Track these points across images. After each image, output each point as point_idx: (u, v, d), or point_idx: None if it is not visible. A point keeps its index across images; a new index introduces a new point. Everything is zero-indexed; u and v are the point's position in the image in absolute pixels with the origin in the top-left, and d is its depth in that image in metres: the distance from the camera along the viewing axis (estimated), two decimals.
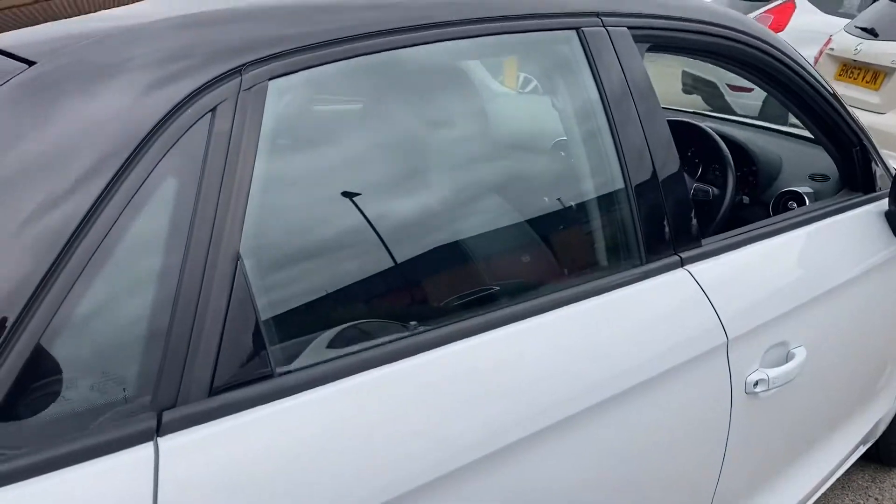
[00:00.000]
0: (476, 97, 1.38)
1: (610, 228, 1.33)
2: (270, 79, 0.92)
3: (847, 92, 4.99)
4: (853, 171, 1.89)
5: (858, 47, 4.93)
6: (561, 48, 1.29)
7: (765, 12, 6.72)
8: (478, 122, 1.35)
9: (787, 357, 1.50)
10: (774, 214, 2.04)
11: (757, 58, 1.64)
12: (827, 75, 5.27)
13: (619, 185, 1.30)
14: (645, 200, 1.31)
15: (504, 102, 1.30)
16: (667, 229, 1.34)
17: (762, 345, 1.44)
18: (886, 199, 1.89)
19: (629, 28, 1.36)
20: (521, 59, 1.34)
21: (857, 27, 5.14)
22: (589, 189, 1.33)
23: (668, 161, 1.36)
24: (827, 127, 1.83)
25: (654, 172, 1.33)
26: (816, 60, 5.50)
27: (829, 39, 5.38)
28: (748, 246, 1.51)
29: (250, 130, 0.88)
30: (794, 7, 6.64)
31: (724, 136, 2.18)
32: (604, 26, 1.32)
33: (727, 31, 1.57)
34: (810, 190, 2.03)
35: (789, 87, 1.73)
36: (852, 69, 5.01)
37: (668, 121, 2.27)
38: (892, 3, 5.06)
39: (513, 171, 1.31)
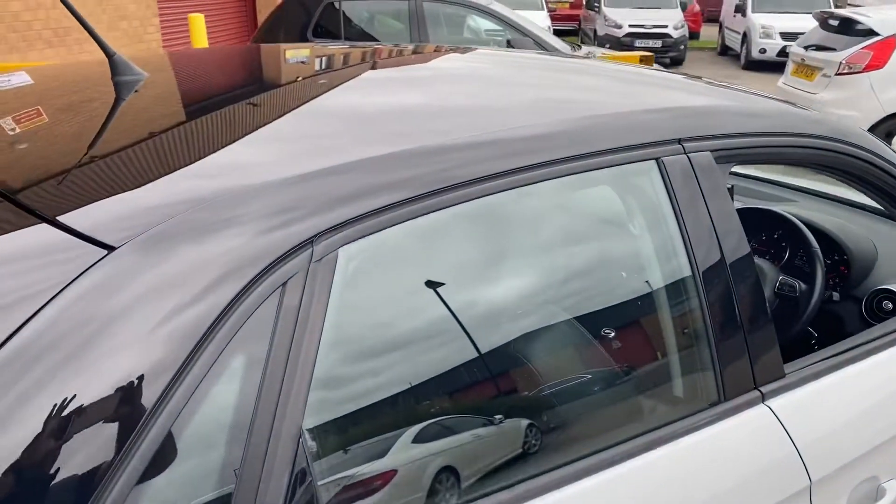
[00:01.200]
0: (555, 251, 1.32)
1: (687, 363, 1.28)
2: (342, 246, 0.92)
3: None
4: None
5: None
6: (640, 180, 1.26)
7: (864, 48, 6.43)
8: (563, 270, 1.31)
9: (878, 493, 1.40)
10: (867, 315, 1.93)
11: (853, 164, 1.55)
12: None
13: (697, 317, 1.25)
14: (723, 330, 1.25)
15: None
16: (748, 363, 1.28)
17: (850, 483, 1.36)
18: None
19: (712, 151, 1.31)
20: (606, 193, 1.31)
21: None
22: (667, 323, 1.29)
23: (750, 292, 1.30)
24: None
25: (736, 306, 1.27)
26: None
27: None
28: (836, 372, 1.42)
29: (318, 303, 0.89)
30: None
31: (811, 225, 2.07)
32: (685, 153, 1.27)
33: (820, 141, 1.50)
34: None
35: (880, 186, 1.63)
36: None
37: (751, 209, 2.20)
38: None
39: (589, 306, 1.28)
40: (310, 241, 0.90)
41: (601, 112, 1.28)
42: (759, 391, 1.29)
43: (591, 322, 1.27)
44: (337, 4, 6.99)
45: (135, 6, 8.25)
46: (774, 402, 1.30)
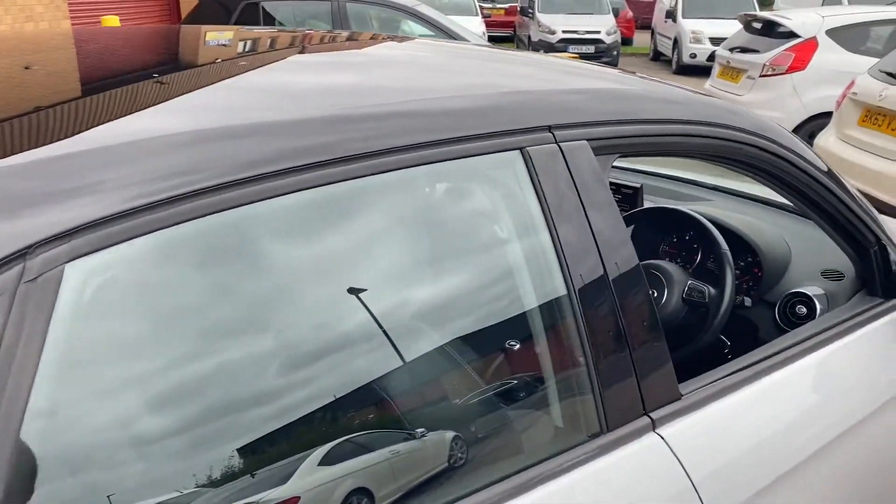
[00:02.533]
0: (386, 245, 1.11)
1: (565, 389, 1.09)
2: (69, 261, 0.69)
3: (871, 139, 4.71)
4: (871, 274, 1.63)
5: (883, 93, 4.65)
6: (501, 173, 1.07)
7: (786, 50, 6.47)
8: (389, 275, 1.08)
9: None
10: (781, 320, 1.78)
11: (751, 154, 1.40)
12: (849, 120, 4.99)
13: (573, 335, 1.06)
14: (604, 350, 1.07)
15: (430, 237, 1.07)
16: (635, 385, 1.10)
17: None
18: None
19: (591, 140, 1.13)
20: (459, 187, 1.11)
21: (881, 71, 4.87)
22: (538, 342, 1.10)
23: (637, 303, 1.12)
24: (838, 225, 1.58)
25: (619, 321, 1.09)
26: (839, 104, 5.23)
27: (853, 82, 5.11)
28: (739, 390, 1.26)
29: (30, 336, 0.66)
30: (817, 45, 6.38)
31: (722, 225, 1.93)
32: (556, 142, 1.09)
33: (732, 132, 1.34)
34: (821, 291, 1.77)
35: (791, 183, 1.49)
36: (877, 115, 4.73)
37: (659, 209, 2.05)
38: None
39: (440, 325, 1.07)
40: (21, 254, 0.67)
41: (451, 94, 1.09)
42: (650, 417, 1.12)
43: (446, 345, 1.07)
44: (257, 3, 6.72)
45: (42, 7, 7.80)
46: (667, 430, 1.13)
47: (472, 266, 1.08)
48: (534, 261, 1.07)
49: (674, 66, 14.31)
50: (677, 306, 1.76)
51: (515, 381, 1.10)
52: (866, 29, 6.62)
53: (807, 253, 1.90)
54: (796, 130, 6.44)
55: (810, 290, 1.76)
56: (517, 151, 1.05)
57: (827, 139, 5.23)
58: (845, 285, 1.77)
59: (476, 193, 1.10)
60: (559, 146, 1.08)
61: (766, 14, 7.46)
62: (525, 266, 1.07)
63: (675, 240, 2.10)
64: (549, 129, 1.09)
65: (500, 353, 1.09)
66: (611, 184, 2.35)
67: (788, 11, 7.74)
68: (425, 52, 1.58)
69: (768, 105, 6.49)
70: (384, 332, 0.99)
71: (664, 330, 1.79)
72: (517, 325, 1.09)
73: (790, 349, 1.39)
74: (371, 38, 1.71)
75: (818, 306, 1.73)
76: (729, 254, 1.75)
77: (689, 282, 1.78)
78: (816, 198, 1.51)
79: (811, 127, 6.23)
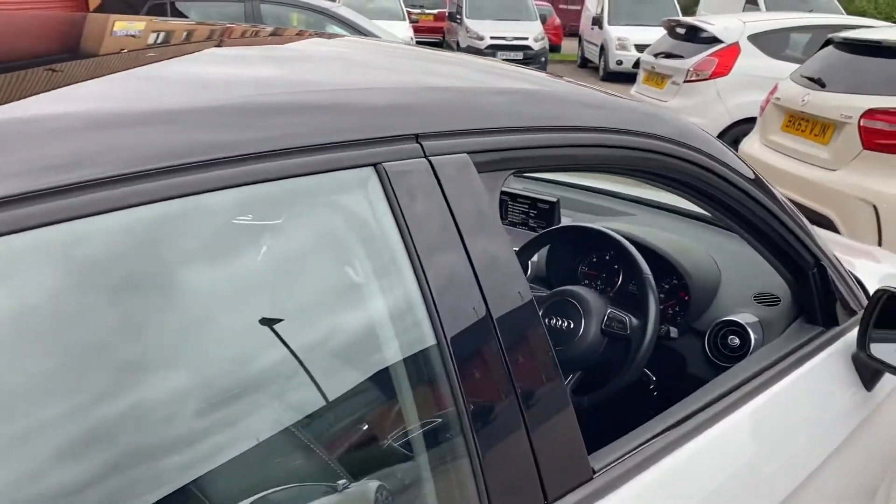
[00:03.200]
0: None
1: (440, 474, 0.83)
2: None
3: (795, 145, 4.65)
4: (810, 299, 1.44)
5: (805, 98, 4.59)
6: (347, 198, 0.80)
7: (709, 55, 6.43)
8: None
9: None
10: (712, 353, 1.58)
11: (676, 167, 1.18)
12: (773, 126, 4.93)
13: (445, 399, 0.81)
14: (487, 417, 0.82)
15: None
16: (532, 465, 0.85)
17: None
18: (852, 336, 1.45)
19: (473, 153, 0.88)
20: (291, 215, 0.83)
21: (803, 76, 4.83)
22: (402, 416, 0.83)
23: (531, 347, 0.88)
24: (772, 244, 1.38)
25: (512, 384, 0.84)
26: (763, 109, 5.17)
27: (776, 87, 5.06)
28: (669, 455, 1.03)
29: None
30: (739, 50, 6.36)
31: (644, 244, 1.72)
32: (425, 155, 0.83)
33: (641, 139, 1.11)
34: (755, 319, 1.57)
35: (720, 198, 1.27)
36: (800, 121, 4.68)
37: (571, 228, 1.82)
38: (838, 52, 4.75)
39: (278, 395, 0.80)
40: None
41: (278, 92, 0.82)
42: None
43: (288, 425, 0.80)
44: (163, 3, 6.32)
45: None
46: None
47: (312, 319, 0.81)
48: (394, 310, 0.81)
49: (601, 72, 14.37)
50: (596, 339, 1.54)
51: (368, 467, 0.83)
52: (786, 35, 6.65)
53: (738, 274, 1.70)
54: (721, 136, 6.41)
55: (742, 318, 1.56)
56: (370, 168, 0.79)
57: (751, 145, 5.17)
58: (781, 311, 1.57)
59: (314, 224, 0.84)
60: (429, 161, 0.83)
61: (689, 19, 7.44)
62: (382, 317, 0.81)
63: (594, 260, 1.88)
64: (417, 138, 0.83)
65: (350, 436, 0.83)
66: (524, 199, 2.13)
67: (711, 17, 7.75)
68: (307, 45, 1.31)
69: (693, 111, 6.44)
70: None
71: (581, 366, 1.58)
72: (372, 391, 0.83)
73: (725, 398, 1.17)
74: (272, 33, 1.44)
75: (752, 336, 1.52)
76: (651, 279, 1.53)
77: (609, 311, 1.56)
78: (748, 215, 1.30)
79: (735, 132, 6.19)
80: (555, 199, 2.00)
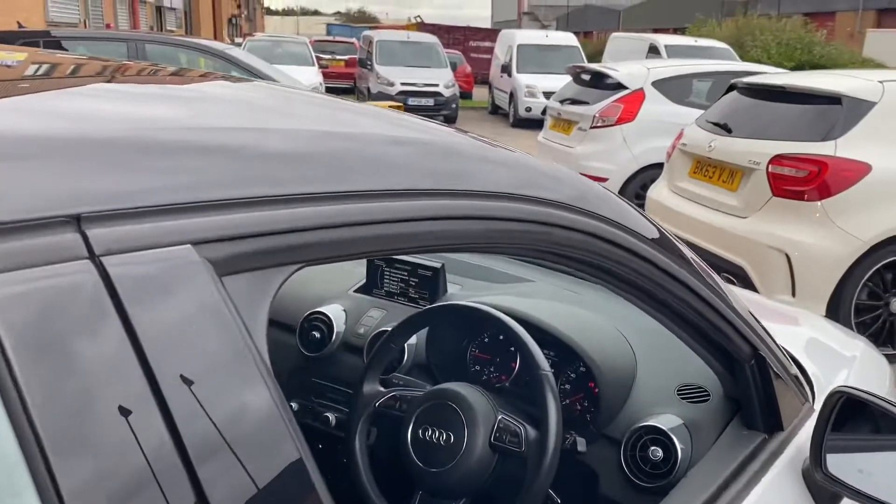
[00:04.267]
0: None
1: None
2: None
3: (703, 191, 4.52)
4: (748, 399, 1.13)
5: (712, 144, 4.48)
6: None
7: (615, 101, 6.35)
8: None
9: None
10: (629, 469, 1.24)
11: (567, 242, 0.85)
12: (681, 172, 4.80)
13: None
14: None
15: None
16: None
17: None
18: (801, 443, 1.14)
19: (201, 243, 0.51)
20: None
21: (708, 121, 4.73)
22: None
23: None
24: (698, 330, 1.07)
25: None
26: (669, 155, 5.05)
27: (682, 133, 4.95)
28: None
29: None
30: (644, 96, 6.30)
31: (541, 328, 1.38)
32: (92, 254, 0.46)
33: (518, 206, 0.77)
34: (679, 422, 1.25)
35: (626, 277, 0.95)
36: (707, 167, 4.55)
37: (451, 308, 1.48)
38: (743, 97, 4.68)
39: None
40: None
41: None
42: None
43: None
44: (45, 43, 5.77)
45: None
46: None
47: None
48: None
49: (511, 119, 14.40)
50: (484, 456, 1.18)
51: None
52: (689, 81, 6.66)
53: (658, 361, 1.39)
54: (628, 182, 6.30)
55: (665, 422, 1.24)
56: None
57: (659, 191, 5.03)
58: (712, 410, 1.26)
59: None
60: (98, 263, 0.46)
61: (594, 66, 7.40)
62: None
63: (485, 340, 1.54)
64: (77, 221, 0.46)
65: None
66: (402, 264, 1.79)
67: (616, 63, 7.75)
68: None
69: (600, 157, 6.32)
70: None
71: (466, 492, 1.22)
72: None
73: None
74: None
75: (678, 447, 1.20)
76: (550, 377, 1.19)
77: (500, 417, 1.21)
78: (666, 297, 0.99)
79: (643, 178, 6.09)
80: (438, 265, 1.66)
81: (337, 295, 1.72)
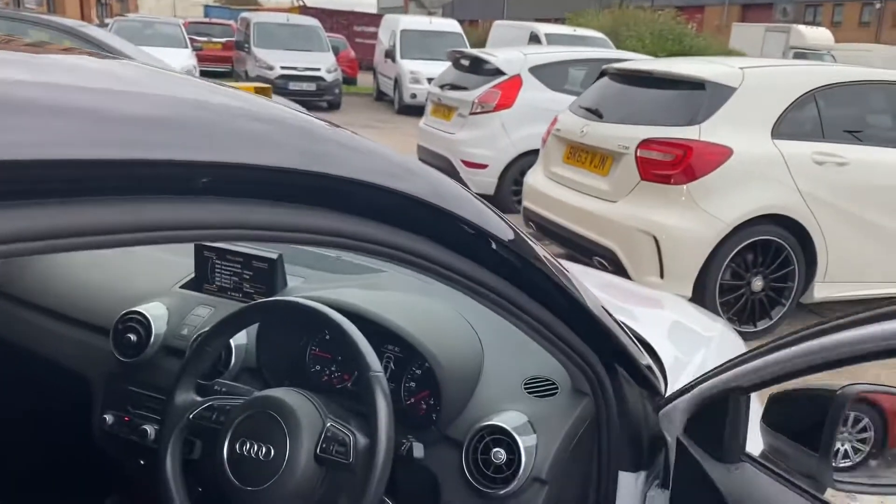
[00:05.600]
0: None
1: None
2: None
3: (576, 176, 4.54)
4: (605, 409, 1.06)
5: (584, 129, 4.50)
6: None
7: (493, 87, 6.32)
8: None
9: None
10: (472, 474, 1.14)
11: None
12: (555, 157, 4.81)
13: None
14: None
15: None
16: None
17: None
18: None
19: None
20: None
21: (581, 107, 4.76)
22: None
23: None
24: (552, 334, 1.00)
25: None
26: (545, 141, 5.06)
27: (556, 119, 4.96)
28: None
29: None
30: (521, 83, 6.30)
31: (379, 323, 1.26)
32: None
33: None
34: (524, 419, 1.16)
35: (472, 276, 0.86)
36: (580, 152, 4.58)
37: (272, 303, 1.32)
38: (613, 83, 4.74)
39: None
40: None
41: None
42: None
43: None
44: None
45: None
46: None
47: None
48: None
49: (396, 105, 14.25)
50: (309, 469, 1.05)
51: None
52: (565, 67, 6.72)
53: (505, 353, 1.29)
54: (507, 169, 6.31)
55: (508, 420, 1.14)
56: None
57: (535, 177, 5.03)
58: (561, 403, 1.18)
59: None
60: None
61: (473, 51, 7.36)
62: None
63: (326, 337, 1.40)
64: None
65: None
66: (235, 255, 1.62)
67: (494, 49, 7.74)
68: None
69: (479, 143, 6.29)
70: None
71: None
72: None
73: None
74: None
75: (521, 448, 1.10)
76: (382, 378, 1.07)
77: (328, 424, 1.08)
78: (519, 302, 0.91)
79: (522, 164, 6.10)
80: (275, 256, 1.50)
81: (159, 291, 1.53)
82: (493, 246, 0.88)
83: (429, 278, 1.57)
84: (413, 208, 0.78)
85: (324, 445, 1.06)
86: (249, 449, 1.06)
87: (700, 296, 3.96)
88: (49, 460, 1.75)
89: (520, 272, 0.93)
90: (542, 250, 0.98)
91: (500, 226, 0.89)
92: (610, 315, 1.09)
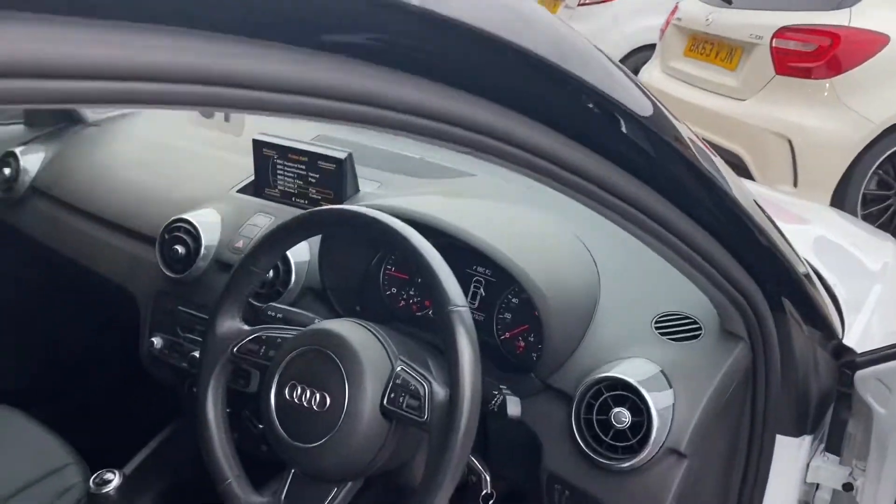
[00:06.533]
0: None
1: None
2: None
3: (699, 72, 4.04)
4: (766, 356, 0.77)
5: (710, 17, 3.97)
6: None
7: None
8: None
9: None
10: (584, 438, 0.88)
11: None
12: (675, 51, 4.30)
13: None
14: None
15: None
16: None
17: None
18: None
19: None
20: None
21: None
22: None
23: None
24: (705, 255, 0.71)
25: None
26: (663, 32, 4.53)
27: (676, 7, 4.42)
28: None
29: None
30: None
31: (466, 242, 0.98)
32: None
33: None
34: (656, 369, 0.87)
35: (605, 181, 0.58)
36: (704, 44, 4.06)
37: (334, 212, 0.99)
38: None
39: None
40: None
41: None
42: None
43: None
44: None
45: None
46: None
47: None
48: None
49: None
50: (372, 425, 0.82)
51: None
52: None
53: (629, 279, 1.01)
54: (622, 62, 5.77)
55: (634, 372, 0.86)
56: None
57: (651, 74, 4.54)
58: (704, 349, 0.89)
59: None
60: None
61: None
62: None
63: (397, 265, 1.15)
64: None
65: None
66: (299, 155, 1.37)
67: None
68: None
69: (590, 37, 5.76)
70: None
71: (350, 475, 0.85)
72: None
73: None
74: None
75: (652, 409, 0.83)
76: (465, 315, 0.80)
77: (398, 369, 0.84)
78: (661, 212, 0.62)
79: (636, 60, 5.57)
80: (343, 156, 1.24)
81: (213, 196, 1.31)
82: (626, 130, 0.58)
83: (530, 178, 1.29)
84: (524, 69, 0.49)
85: (391, 395, 0.82)
86: (301, 396, 0.84)
87: (838, 207, 3.49)
88: (104, 386, 1.63)
89: (659, 168, 0.63)
90: (691, 132, 0.69)
91: (640, 100, 0.59)
92: (780, 232, 0.78)
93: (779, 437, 0.91)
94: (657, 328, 0.93)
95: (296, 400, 0.84)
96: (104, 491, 1.11)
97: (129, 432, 1.43)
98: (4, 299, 1.66)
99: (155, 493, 1.33)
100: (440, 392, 0.81)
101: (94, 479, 1.12)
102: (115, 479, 1.11)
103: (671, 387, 0.85)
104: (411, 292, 1.15)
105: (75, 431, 1.39)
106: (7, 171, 1.54)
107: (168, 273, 1.23)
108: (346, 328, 0.87)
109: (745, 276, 0.78)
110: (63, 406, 1.62)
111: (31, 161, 1.53)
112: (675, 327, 0.92)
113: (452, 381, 0.78)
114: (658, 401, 0.83)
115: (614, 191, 0.62)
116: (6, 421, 1.36)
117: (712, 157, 0.70)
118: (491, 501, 0.90)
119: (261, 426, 1.24)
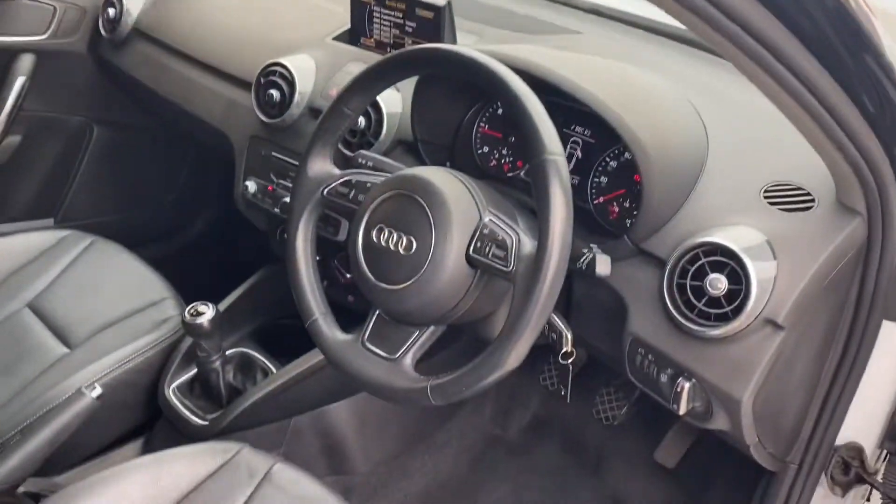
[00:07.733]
0: None
1: None
2: None
3: None
4: (884, 234, 0.72)
5: None
6: None
7: None
8: None
9: None
10: (673, 305, 0.85)
11: None
12: None
13: None
14: None
15: None
16: None
17: None
18: None
19: None
20: None
21: None
22: None
23: None
24: (816, 96, 0.64)
25: None
26: None
27: None
28: None
29: None
30: None
31: (567, 93, 0.93)
32: None
33: None
34: (761, 238, 0.82)
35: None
36: None
37: (437, 51, 0.94)
38: None
39: None
40: None
41: None
42: None
43: None
44: None
45: None
46: None
47: None
48: None
49: None
50: (458, 273, 0.81)
51: None
52: None
53: (739, 144, 0.94)
54: None
55: (738, 239, 0.81)
56: None
57: None
58: (817, 222, 0.83)
59: None
60: None
61: None
62: None
63: (498, 111, 1.11)
64: None
65: None
66: (399, 2, 1.32)
67: None
68: None
69: None
70: None
71: (430, 320, 0.85)
72: None
73: None
74: None
75: (753, 278, 0.78)
76: (561, 164, 0.76)
77: (486, 220, 0.82)
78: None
79: None
80: (443, 2, 1.18)
81: (309, 42, 1.29)
82: None
83: (641, 44, 1.20)
84: None
85: (478, 245, 0.81)
86: (388, 238, 0.84)
87: None
88: (201, 228, 1.69)
89: (819, 24, 0.56)
90: None
91: None
92: None
93: (885, 323, 0.85)
94: (765, 196, 0.87)
95: (382, 242, 0.84)
96: (198, 321, 1.16)
97: (224, 273, 1.49)
98: (109, 138, 1.72)
99: (245, 331, 1.40)
100: (528, 244, 0.79)
101: (189, 309, 1.17)
102: (208, 311, 1.17)
103: (775, 257, 0.80)
104: (504, 151, 1.12)
105: (173, 269, 1.46)
106: (112, 11, 1.56)
107: (263, 118, 1.23)
108: (436, 175, 0.85)
109: (875, 144, 0.71)
110: (162, 244, 1.70)
111: (134, 2, 1.54)
112: (787, 197, 0.86)
113: (541, 231, 0.75)
114: (760, 270, 0.79)
115: (768, 44, 0.56)
116: (110, 255, 1.43)
117: (872, 17, 0.62)
118: (571, 360, 0.90)
119: (349, 275, 1.26)
